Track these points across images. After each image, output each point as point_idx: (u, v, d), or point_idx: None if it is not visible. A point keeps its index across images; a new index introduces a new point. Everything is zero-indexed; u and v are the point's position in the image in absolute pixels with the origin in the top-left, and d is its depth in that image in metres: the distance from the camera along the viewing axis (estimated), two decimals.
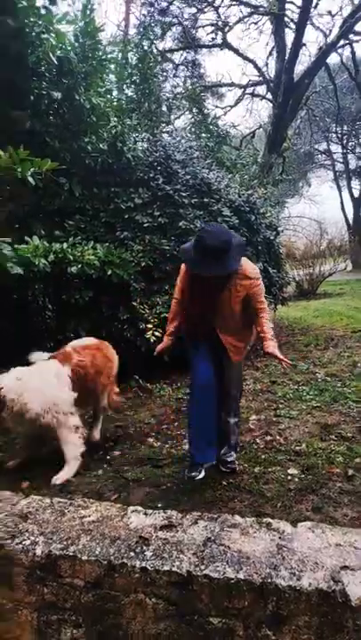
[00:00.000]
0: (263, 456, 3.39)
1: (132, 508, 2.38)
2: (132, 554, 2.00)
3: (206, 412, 3.02)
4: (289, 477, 3.06)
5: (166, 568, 1.93)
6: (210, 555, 1.98)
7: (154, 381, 5.31)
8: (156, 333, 5.15)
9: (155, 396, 5.01)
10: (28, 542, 2.10)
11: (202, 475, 3.05)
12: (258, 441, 3.68)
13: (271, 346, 2.87)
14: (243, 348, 3.11)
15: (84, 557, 2.00)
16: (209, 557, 1.97)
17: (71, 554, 2.02)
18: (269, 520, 2.25)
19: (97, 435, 3.75)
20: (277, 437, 3.72)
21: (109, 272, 4.92)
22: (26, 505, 2.40)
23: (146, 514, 2.32)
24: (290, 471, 3.14)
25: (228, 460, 3.19)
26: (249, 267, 2.96)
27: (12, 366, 3.16)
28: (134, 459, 3.46)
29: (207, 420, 3.01)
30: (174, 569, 1.91)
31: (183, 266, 3.10)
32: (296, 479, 3.03)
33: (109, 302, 5.30)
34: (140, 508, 2.36)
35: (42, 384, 3.10)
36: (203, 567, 1.91)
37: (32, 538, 2.12)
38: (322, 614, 1.80)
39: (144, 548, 2.04)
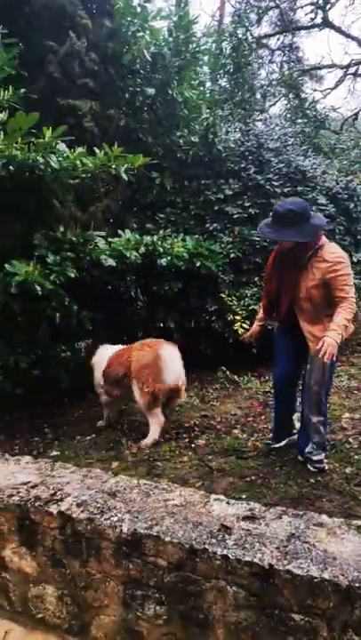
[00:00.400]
0: (356, 457, 3.22)
1: (214, 496, 2.39)
2: (213, 540, 2.02)
3: (279, 409, 3.38)
4: None
5: (248, 559, 1.91)
6: (293, 551, 1.93)
7: (241, 373, 5.27)
8: (244, 325, 5.10)
9: (241, 388, 4.97)
10: (115, 519, 2.20)
11: (280, 444, 3.37)
12: (351, 440, 3.49)
13: (328, 336, 2.64)
14: None
15: (167, 539, 2.05)
16: (292, 553, 1.91)
17: (155, 534, 2.09)
18: (360, 523, 2.13)
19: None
20: None
21: (198, 264, 4.96)
22: (114, 483, 2.52)
23: (228, 503, 2.32)
24: None
25: (314, 458, 3.05)
26: (330, 248, 2.86)
27: None
28: (219, 449, 3.47)
29: (280, 417, 3.39)
30: (256, 560, 1.89)
31: (272, 254, 3.17)
32: None
33: (198, 294, 5.35)
34: (222, 497, 2.37)
35: None
36: (285, 562, 1.87)
37: (119, 515, 2.23)
38: None
39: (226, 536, 2.04)
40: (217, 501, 2.33)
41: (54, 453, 3.60)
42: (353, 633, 1.74)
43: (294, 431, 3.42)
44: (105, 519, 2.21)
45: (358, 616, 1.73)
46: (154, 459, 3.36)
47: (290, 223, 2.76)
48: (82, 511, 2.27)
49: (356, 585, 1.73)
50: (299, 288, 2.90)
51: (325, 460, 3.07)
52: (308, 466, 3.06)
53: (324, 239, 2.92)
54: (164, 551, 2.06)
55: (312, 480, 2.93)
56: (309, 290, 2.86)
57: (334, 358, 2.71)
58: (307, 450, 3.09)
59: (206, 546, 1.98)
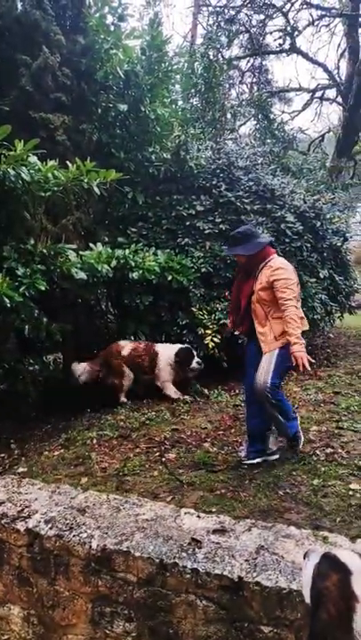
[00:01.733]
0: (323, 469, 3.27)
1: (185, 509, 2.40)
2: (183, 554, 2.02)
3: (250, 412, 3.58)
4: (350, 492, 2.92)
5: (217, 572, 1.92)
6: (262, 562, 1.95)
7: (212, 387, 5.30)
8: (215, 339, 5.16)
9: (212, 401, 4.99)
10: (84, 535, 2.18)
11: (255, 461, 3.39)
12: (318, 452, 3.55)
13: (296, 350, 3.03)
14: (272, 340, 3.28)
15: (138, 554, 2.05)
16: (261, 565, 1.94)
17: (125, 549, 2.07)
18: (326, 534, 2.18)
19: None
20: (339, 450, 3.57)
21: (169, 278, 5.00)
22: (84, 499, 2.49)
23: (199, 517, 2.33)
24: (352, 486, 3.00)
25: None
26: (277, 261, 3.38)
27: None
28: (190, 462, 3.47)
29: (251, 420, 3.53)
30: (225, 573, 1.91)
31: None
32: (358, 494, 2.89)
33: (169, 307, 5.38)
34: (193, 511, 2.38)
35: None
36: (254, 574, 1.89)
37: (89, 531, 2.20)
38: None
39: (196, 550, 2.05)
40: (187, 515, 2.34)
41: (21, 470, 3.52)
42: None
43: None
44: (74, 535, 2.18)
45: None
46: (124, 473, 3.33)
47: (238, 242, 3.42)
48: (50, 528, 2.24)
49: None
50: (251, 292, 3.38)
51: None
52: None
53: (274, 255, 3.45)
54: (134, 566, 2.05)
55: (281, 492, 2.96)
56: (258, 293, 3.32)
57: (305, 362, 3.02)
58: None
59: (176, 560, 1.99)
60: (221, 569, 1.92)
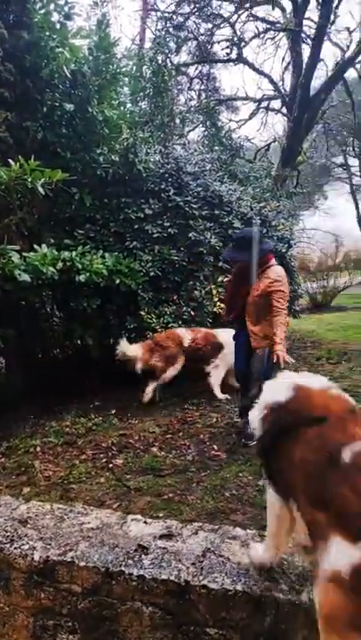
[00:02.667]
0: None
1: (132, 516, 2.37)
2: (130, 562, 1.99)
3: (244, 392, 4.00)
4: None
5: (164, 577, 1.91)
6: (208, 565, 1.95)
7: (160, 391, 5.29)
8: None
9: (160, 406, 4.98)
10: (26, 547, 2.09)
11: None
12: None
13: (278, 349, 3.45)
14: (261, 339, 3.73)
15: (82, 564, 1.99)
16: (207, 568, 1.94)
17: (69, 560, 2.01)
18: None
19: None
20: None
21: (117, 281, 4.95)
22: (26, 510, 2.40)
23: (146, 522, 2.30)
24: None
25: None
26: (274, 270, 3.70)
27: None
28: (137, 467, 3.44)
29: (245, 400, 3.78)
30: (172, 578, 1.89)
31: (232, 272, 4.16)
32: None
33: (117, 311, 5.33)
34: (140, 517, 2.35)
35: None
36: (201, 577, 1.89)
37: (30, 543, 2.12)
38: None
39: (142, 556, 2.02)
40: (134, 522, 2.31)
41: None
42: None
43: None
44: (15, 548, 2.09)
45: (269, 625, 1.79)
46: (69, 481, 3.24)
47: (241, 248, 3.70)
48: None
49: (268, 594, 1.79)
50: (249, 295, 3.76)
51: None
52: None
53: (273, 261, 3.75)
54: (79, 576, 1.99)
55: (227, 494, 3.00)
56: (255, 297, 3.71)
57: (287, 359, 3.47)
58: None
59: (122, 567, 1.95)
60: (168, 574, 1.90)
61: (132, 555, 2.01)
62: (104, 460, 3.59)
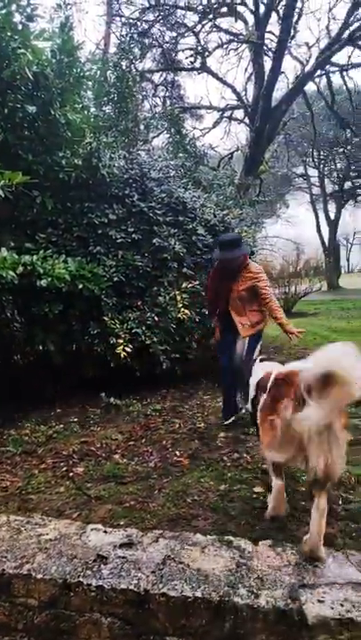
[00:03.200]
0: (230, 474, 3.38)
1: (91, 525, 2.33)
2: (88, 572, 1.96)
3: (226, 385, 4.50)
4: (254, 495, 3.04)
5: (123, 586, 1.89)
6: (168, 573, 1.95)
7: (123, 397, 5.26)
8: (127, 349, 5.13)
9: (123, 412, 4.95)
10: None
11: (229, 421, 4.36)
12: (225, 458, 3.67)
13: (289, 328, 4.07)
14: (248, 327, 4.22)
15: (39, 576, 1.95)
16: (167, 575, 1.94)
17: (25, 572, 1.96)
18: (231, 538, 2.24)
19: None
20: (245, 455, 3.71)
21: (80, 286, 4.89)
22: None
23: (106, 532, 2.28)
24: (255, 489, 3.12)
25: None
26: (254, 266, 4.29)
27: None
28: (98, 475, 3.40)
29: (227, 390, 4.47)
30: (131, 587, 1.88)
31: (212, 272, 4.50)
32: (261, 497, 3.01)
33: (79, 316, 5.25)
34: (100, 526, 2.32)
35: None
36: (160, 585, 1.88)
37: None
38: (279, 633, 1.79)
39: (101, 566, 1.99)
40: (94, 531, 2.28)
41: None
42: None
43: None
44: None
45: (228, 630, 1.80)
46: (27, 492, 3.16)
47: (230, 247, 4.12)
48: None
49: (226, 599, 1.81)
50: (233, 291, 4.23)
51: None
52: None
53: (248, 260, 4.28)
54: (36, 589, 1.94)
55: (189, 500, 3.00)
56: (240, 292, 4.20)
57: (298, 333, 4.09)
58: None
59: (81, 578, 1.92)
60: (127, 583, 1.88)
61: (91, 565, 1.98)
62: (64, 469, 3.53)
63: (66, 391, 5.49)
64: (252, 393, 3.10)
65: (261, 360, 3.52)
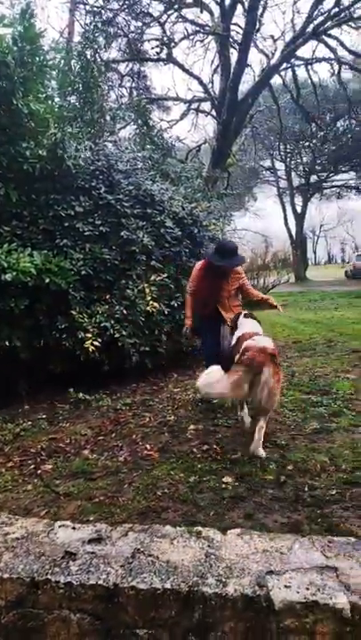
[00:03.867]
0: (199, 465, 3.40)
1: (59, 522, 2.31)
2: (56, 569, 1.94)
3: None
4: (223, 486, 3.08)
5: (92, 582, 1.88)
6: (138, 566, 1.95)
7: (93, 392, 5.21)
8: (96, 343, 5.09)
9: (93, 407, 4.91)
10: None
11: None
12: (195, 450, 3.69)
13: (270, 299, 4.83)
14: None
15: (6, 575, 1.91)
16: (137, 569, 1.94)
17: None
18: (200, 528, 2.26)
19: None
20: (214, 446, 3.74)
21: (47, 280, 4.80)
22: None
23: (74, 528, 2.26)
24: (224, 479, 3.16)
25: None
26: (239, 267, 4.78)
27: None
28: (67, 472, 3.36)
29: None
30: (100, 582, 1.87)
31: (198, 269, 4.76)
32: (230, 487, 3.05)
33: (46, 311, 5.17)
34: (68, 523, 2.30)
35: None
36: (130, 579, 1.88)
37: None
38: (247, 619, 1.82)
39: (70, 562, 1.98)
40: (62, 528, 2.26)
41: None
42: (193, 637, 1.83)
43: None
44: None
45: (197, 619, 1.83)
46: None
47: (234, 254, 4.55)
48: None
49: (195, 589, 1.83)
50: (223, 290, 4.63)
51: None
52: None
53: None
54: (3, 589, 1.92)
55: (159, 493, 3.01)
56: (231, 291, 4.67)
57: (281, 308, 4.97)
58: None
59: (49, 576, 1.90)
60: (96, 578, 1.88)
61: (59, 562, 1.97)
62: (32, 467, 3.48)
63: (34, 387, 5.40)
64: (233, 342, 4.05)
65: (245, 316, 4.35)
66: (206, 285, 4.62)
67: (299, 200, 33.91)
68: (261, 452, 3.40)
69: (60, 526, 2.25)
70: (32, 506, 2.86)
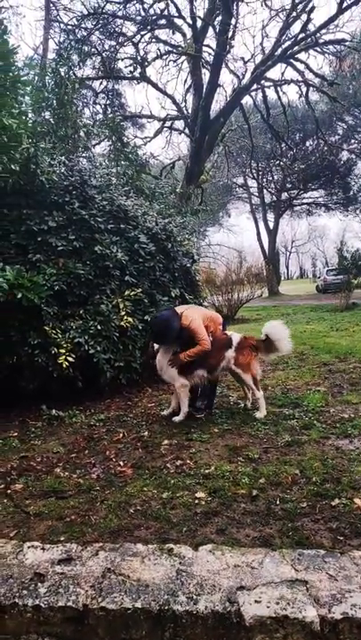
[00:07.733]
0: (173, 481, 3.39)
1: (29, 543, 2.26)
2: (24, 592, 1.89)
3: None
4: (196, 501, 3.08)
5: (61, 604, 1.84)
6: (108, 586, 1.93)
7: (66, 408, 5.15)
8: (69, 358, 5.04)
9: (66, 423, 4.84)
10: None
11: (202, 415, 4.89)
12: (168, 466, 3.68)
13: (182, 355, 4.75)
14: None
15: None
16: (107, 589, 1.91)
17: None
18: (171, 546, 2.25)
19: None
20: (188, 461, 3.74)
21: (19, 295, 4.75)
22: None
23: (44, 549, 2.22)
24: (197, 495, 3.16)
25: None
26: (186, 320, 4.76)
27: None
28: (38, 491, 3.30)
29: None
30: (70, 604, 1.84)
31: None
32: (203, 502, 3.05)
33: (19, 326, 5.10)
34: (37, 544, 2.25)
35: None
36: (100, 599, 1.86)
37: None
38: (218, 637, 1.82)
39: (38, 584, 1.94)
40: (31, 549, 2.21)
41: None
42: None
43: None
44: None
45: (168, 637, 1.81)
46: None
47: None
48: None
49: (166, 608, 1.81)
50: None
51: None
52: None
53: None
54: None
55: (132, 510, 2.98)
56: (188, 340, 4.84)
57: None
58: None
59: (16, 599, 1.86)
60: (65, 600, 1.84)
61: (27, 584, 1.92)
62: (2, 486, 3.39)
63: (5, 404, 5.29)
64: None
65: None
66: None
67: (271, 216, 34.64)
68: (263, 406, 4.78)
69: (29, 547, 2.21)
70: (1, 527, 2.79)
